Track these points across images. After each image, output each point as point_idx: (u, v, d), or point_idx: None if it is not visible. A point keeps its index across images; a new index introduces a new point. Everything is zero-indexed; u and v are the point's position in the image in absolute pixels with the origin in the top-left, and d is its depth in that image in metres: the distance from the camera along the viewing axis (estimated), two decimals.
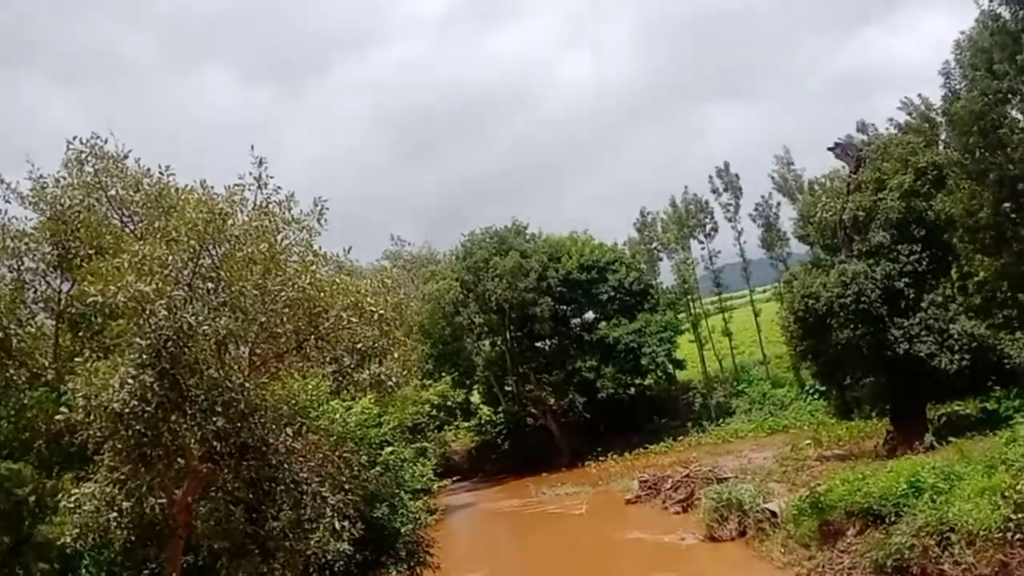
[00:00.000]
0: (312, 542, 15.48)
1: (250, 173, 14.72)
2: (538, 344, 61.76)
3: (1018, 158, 35.59)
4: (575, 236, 63.75)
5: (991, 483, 18.66)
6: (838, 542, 23.17)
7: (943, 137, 41.56)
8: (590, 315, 61.94)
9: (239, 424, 13.27)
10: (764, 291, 66.89)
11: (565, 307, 61.09)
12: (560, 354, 59.88)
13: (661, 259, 64.98)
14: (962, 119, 36.23)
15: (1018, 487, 16.93)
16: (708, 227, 62.47)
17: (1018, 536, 16.67)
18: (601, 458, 52.97)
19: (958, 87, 37.81)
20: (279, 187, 14.91)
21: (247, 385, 13.75)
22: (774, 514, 27.83)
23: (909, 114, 45.67)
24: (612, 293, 58.87)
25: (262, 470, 13.87)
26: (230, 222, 14.15)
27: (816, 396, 52.23)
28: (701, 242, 62.97)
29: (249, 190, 14.68)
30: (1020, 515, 16.60)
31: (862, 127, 48.47)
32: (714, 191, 61.53)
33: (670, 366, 59.00)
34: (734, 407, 57.60)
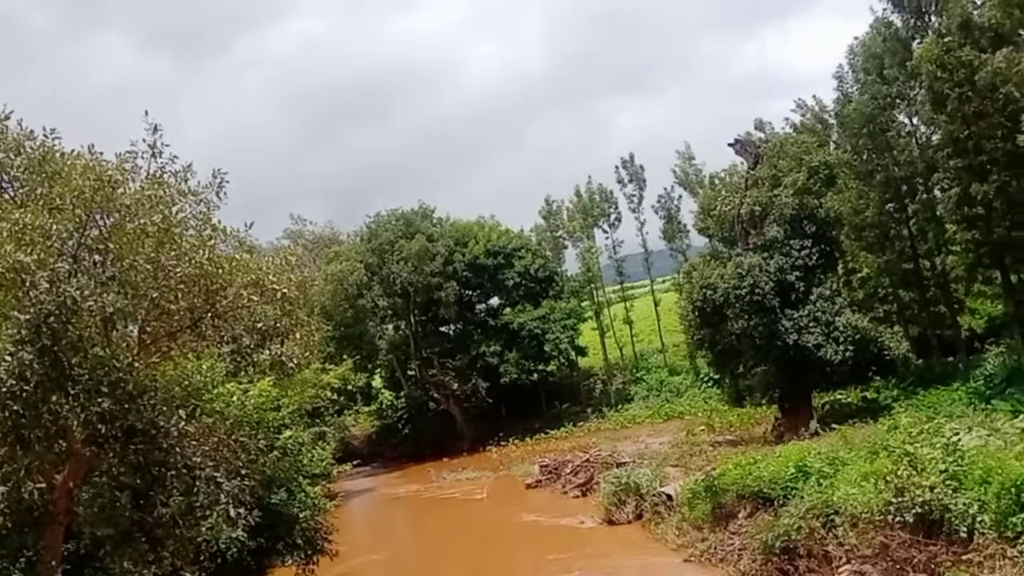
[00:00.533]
0: (204, 529, 14.91)
1: (144, 140, 13.93)
2: (442, 329, 61.63)
3: (903, 160, 37.61)
4: (482, 221, 63.77)
5: (873, 468, 19.60)
6: (730, 524, 23.93)
7: (835, 138, 43.53)
8: (495, 301, 62.21)
9: (126, 406, 12.55)
10: (663, 281, 68.57)
11: (471, 292, 61.13)
12: (464, 339, 59.87)
13: (566, 247, 65.78)
14: (853, 121, 38.01)
15: (899, 472, 17.81)
16: (612, 217, 63.54)
17: (898, 519, 17.51)
18: (503, 443, 53.32)
19: (850, 90, 39.63)
20: (175, 156, 14.15)
21: (136, 365, 13.05)
22: (670, 497, 28.57)
23: (803, 115, 47.68)
24: (518, 279, 59.21)
25: (151, 454, 13.16)
26: (120, 191, 13.33)
27: (710, 384, 54.01)
28: (605, 232, 64.05)
29: (143, 158, 13.85)
30: (900, 499, 17.46)
31: (760, 125, 50.23)
32: (619, 182, 62.61)
33: (573, 353, 59.82)
34: (632, 394, 58.92)
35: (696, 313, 37.32)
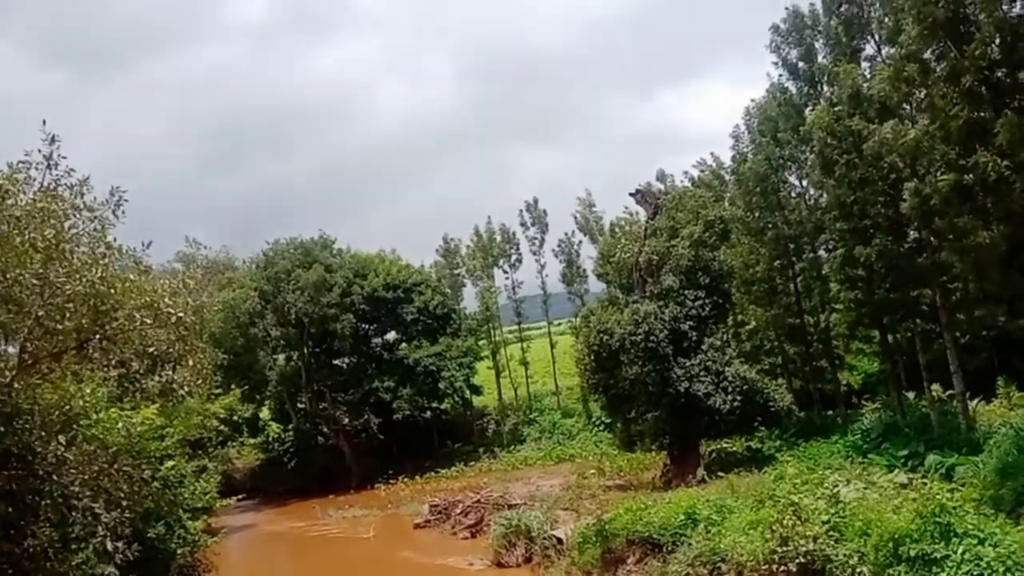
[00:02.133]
0: (75, 563, 13.95)
1: (39, 151, 13.22)
2: (336, 361, 60.27)
3: (793, 220, 39.60)
4: (383, 255, 63.19)
5: (759, 517, 20.24)
6: (619, 570, 24.07)
7: (729, 194, 45.51)
8: (392, 335, 61.44)
9: (2, 428, 11.72)
10: (560, 324, 69.51)
11: (367, 325, 60.17)
12: (358, 373, 58.72)
13: (465, 285, 65.92)
14: (747, 180, 39.83)
15: (784, 521, 18.44)
16: (513, 258, 64.20)
17: (782, 568, 18.07)
18: (392, 481, 52.30)
19: (746, 150, 41.59)
20: (72, 169, 13.49)
21: (15, 386, 12.21)
22: (560, 541, 28.57)
23: (701, 171, 49.71)
24: (416, 315, 58.74)
25: (25, 481, 12.29)
26: (10, 201, 12.60)
27: (602, 428, 54.75)
28: (505, 272, 64.60)
29: (37, 169, 13.16)
30: (785, 548, 18.05)
31: (661, 176, 52.07)
32: (523, 224, 63.47)
33: (467, 391, 59.53)
34: (525, 435, 58.99)
35: (592, 357, 37.84)
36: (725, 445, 39.99)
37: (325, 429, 57.69)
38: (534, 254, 63.80)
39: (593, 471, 42.99)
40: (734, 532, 20.51)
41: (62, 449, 12.59)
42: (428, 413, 57.80)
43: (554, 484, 41.17)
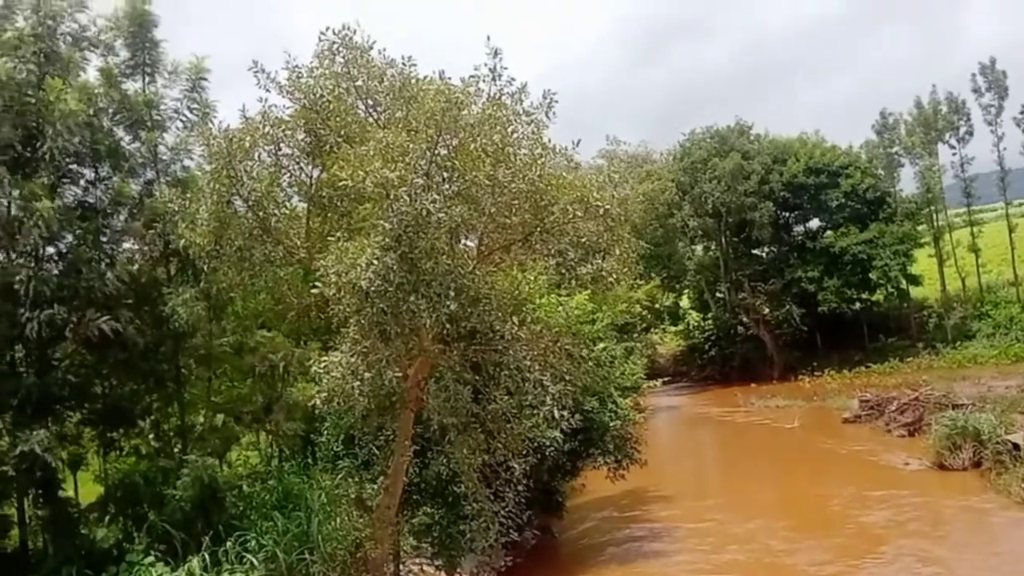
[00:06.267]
0: (528, 426, 16.11)
1: (485, 64, 14.73)
2: (755, 251, 59.71)
3: None
4: (804, 138, 59.73)
5: None
6: None
7: None
8: (815, 223, 58.69)
9: (469, 310, 13.75)
10: (1021, 204, 59.82)
11: (787, 213, 58.29)
12: (779, 262, 57.50)
13: (902, 165, 59.53)
14: None
15: None
16: (962, 131, 56.14)
17: None
18: (817, 373, 50.90)
19: None
20: (512, 78, 14.82)
21: (476, 273, 14.20)
22: (1016, 447, 25.47)
23: None
24: (842, 200, 54.87)
25: (488, 355, 14.43)
26: (464, 112, 14.28)
27: None
28: (952, 147, 56.94)
29: (484, 81, 14.70)
30: None
31: None
32: (975, 90, 54.87)
33: (903, 281, 54.76)
34: (974, 330, 52.78)
35: None
36: None
37: (745, 319, 57.91)
38: (988, 124, 55.19)
39: None
40: None
41: (515, 328, 14.41)
42: (857, 305, 54.71)
43: (1010, 385, 36.59)
